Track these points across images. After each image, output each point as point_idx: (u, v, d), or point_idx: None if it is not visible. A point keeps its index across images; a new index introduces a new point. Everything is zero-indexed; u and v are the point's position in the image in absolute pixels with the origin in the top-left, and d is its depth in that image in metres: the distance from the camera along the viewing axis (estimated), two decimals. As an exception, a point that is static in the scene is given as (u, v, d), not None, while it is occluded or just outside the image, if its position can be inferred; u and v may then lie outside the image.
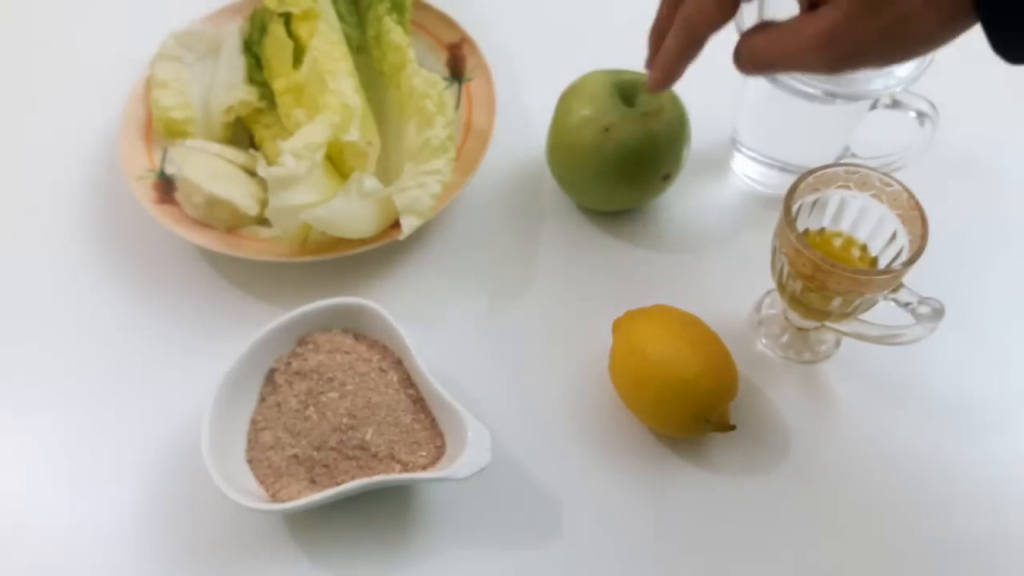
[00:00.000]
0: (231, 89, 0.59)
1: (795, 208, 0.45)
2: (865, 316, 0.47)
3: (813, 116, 0.53)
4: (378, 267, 0.56)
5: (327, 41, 0.56)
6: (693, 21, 0.41)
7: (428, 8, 0.63)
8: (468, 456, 0.44)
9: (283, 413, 0.47)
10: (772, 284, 0.49)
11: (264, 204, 0.54)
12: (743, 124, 0.59)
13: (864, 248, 0.47)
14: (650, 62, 0.48)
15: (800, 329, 0.52)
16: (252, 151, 0.57)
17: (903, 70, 0.50)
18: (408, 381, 0.48)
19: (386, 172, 0.57)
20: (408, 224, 0.51)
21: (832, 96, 0.50)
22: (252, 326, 0.48)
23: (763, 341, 0.53)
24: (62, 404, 0.51)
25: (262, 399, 0.48)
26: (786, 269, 0.46)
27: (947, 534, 0.47)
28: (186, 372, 0.52)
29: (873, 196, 0.46)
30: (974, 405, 0.51)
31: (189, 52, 0.60)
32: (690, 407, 0.46)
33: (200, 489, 0.45)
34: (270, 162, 0.56)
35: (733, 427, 0.47)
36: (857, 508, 0.47)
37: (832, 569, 0.46)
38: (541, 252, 0.57)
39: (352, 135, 0.53)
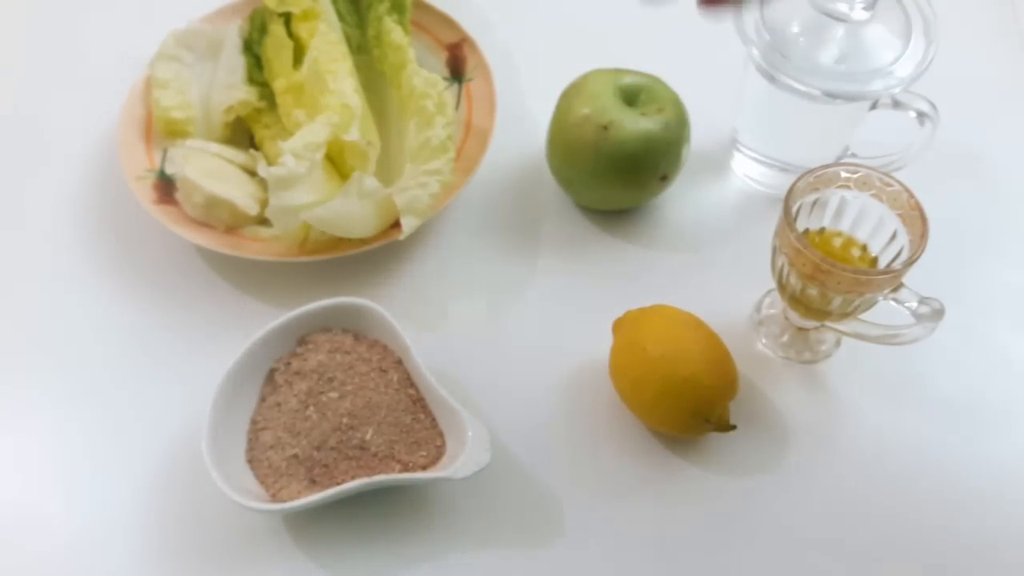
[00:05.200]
0: (231, 89, 0.58)
1: (795, 208, 0.45)
2: (865, 316, 0.47)
3: (813, 116, 0.53)
4: (378, 267, 0.56)
5: (327, 41, 0.56)
6: None
7: (428, 8, 0.63)
8: (468, 456, 0.44)
9: (283, 413, 0.47)
10: (772, 284, 0.49)
11: (264, 204, 0.54)
12: (743, 124, 0.59)
13: (864, 248, 0.47)
14: None
15: (800, 329, 0.52)
16: (252, 151, 0.57)
17: (903, 70, 0.50)
18: (408, 381, 0.48)
19: (386, 172, 0.57)
20: (408, 224, 0.51)
21: (832, 96, 0.50)
22: (252, 326, 0.48)
23: (763, 341, 0.53)
24: (61, 404, 0.51)
25: (262, 399, 0.48)
26: (786, 269, 0.46)
27: (947, 534, 0.47)
28: (186, 372, 0.52)
29: (873, 196, 0.46)
30: (974, 405, 0.51)
31: (189, 52, 0.60)
32: (690, 406, 0.46)
33: (200, 489, 0.45)
34: (270, 162, 0.56)
35: (733, 427, 0.47)
36: (857, 508, 0.47)
37: (832, 568, 0.46)
38: (541, 252, 0.57)
39: (352, 135, 0.53)
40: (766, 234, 0.48)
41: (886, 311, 0.46)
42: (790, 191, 0.45)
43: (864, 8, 0.50)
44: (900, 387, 0.51)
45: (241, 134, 0.60)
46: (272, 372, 0.49)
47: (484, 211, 0.59)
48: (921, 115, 0.52)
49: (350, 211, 0.51)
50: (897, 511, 0.47)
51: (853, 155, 0.57)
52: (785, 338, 0.53)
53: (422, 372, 0.47)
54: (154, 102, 0.58)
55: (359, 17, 0.61)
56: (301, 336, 0.49)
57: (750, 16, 0.51)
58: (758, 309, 0.54)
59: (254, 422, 0.48)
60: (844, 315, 0.47)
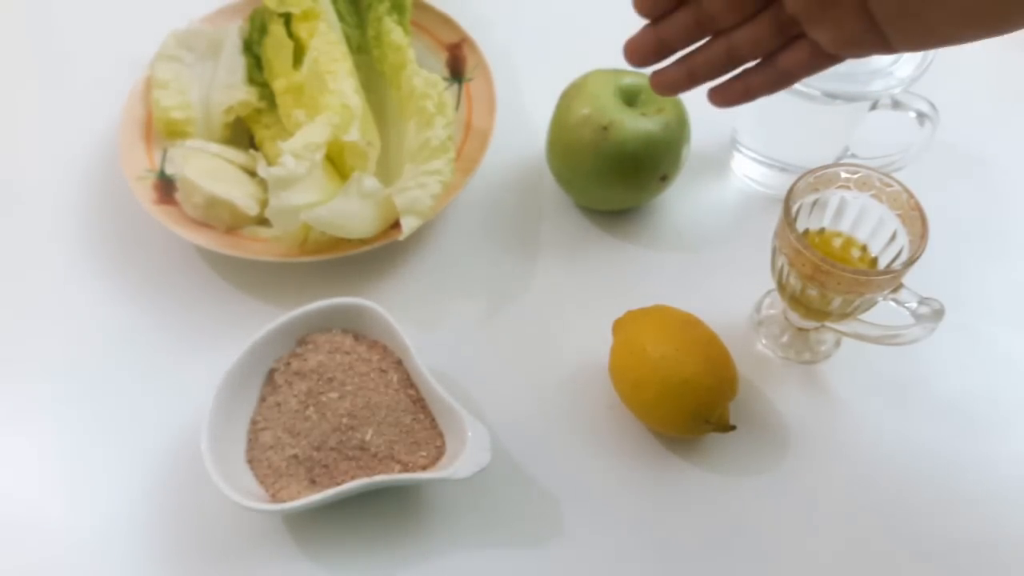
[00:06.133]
0: (231, 89, 0.59)
1: (795, 208, 0.45)
2: (865, 316, 0.47)
3: (813, 116, 0.53)
4: (378, 267, 0.56)
5: (327, 41, 0.56)
6: (743, 52, 0.39)
7: (428, 8, 0.63)
8: (468, 456, 0.44)
9: (283, 413, 0.47)
10: (772, 284, 0.49)
11: (264, 204, 0.54)
12: (743, 124, 0.59)
13: (864, 248, 0.47)
14: (642, 43, 0.41)
15: (800, 329, 0.52)
16: (252, 151, 0.57)
17: (903, 70, 0.50)
18: (408, 381, 0.48)
19: (386, 172, 0.57)
20: (408, 224, 0.51)
21: (832, 96, 0.50)
22: (252, 326, 0.48)
23: (763, 341, 0.53)
24: (62, 404, 0.51)
25: (262, 399, 0.48)
26: (786, 269, 0.46)
27: (947, 534, 0.47)
28: (186, 372, 0.52)
29: (873, 196, 0.46)
30: (974, 405, 0.51)
31: (189, 52, 0.60)
32: (690, 407, 0.46)
33: (200, 489, 0.45)
34: (270, 162, 0.56)
35: (733, 427, 0.47)
36: (856, 508, 0.47)
37: (832, 569, 0.46)
38: (541, 252, 0.57)
39: (352, 135, 0.53)
40: (766, 234, 0.48)
41: (886, 311, 0.46)
42: (790, 191, 0.45)
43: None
44: (900, 387, 0.51)
45: (241, 134, 0.60)
46: (272, 372, 0.49)
47: (484, 211, 0.59)
48: (921, 115, 0.52)
49: (350, 211, 0.51)
50: (897, 511, 0.47)
51: (853, 155, 0.57)
52: (785, 338, 0.53)
53: (422, 372, 0.47)
54: (154, 102, 0.58)
55: (359, 17, 0.61)
56: (301, 336, 0.49)
57: None
58: (758, 309, 0.54)
59: (254, 422, 0.48)
60: (844, 315, 0.47)
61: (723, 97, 0.41)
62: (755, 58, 0.40)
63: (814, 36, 0.37)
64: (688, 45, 0.40)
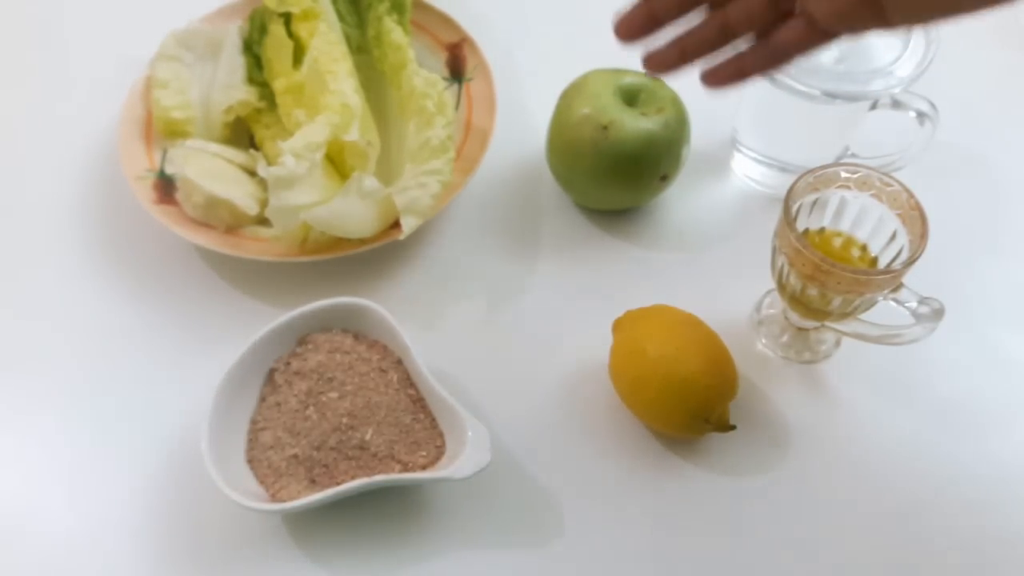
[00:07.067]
0: (231, 89, 0.59)
1: (795, 208, 0.45)
2: (865, 316, 0.47)
3: (813, 116, 0.53)
4: (378, 267, 0.56)
5: (327, 41, 0.56)
6: (735, 27, 0.38)
7: (428, 8, 0.63)
8: (468, 456, 0.44)
9: (283, 413, 0.47)
10: (772, 284, 0.49)
11: (264, 204, 0.54)
12: (743, 124, 0.59)
13: (864, 248, 0.47)
14: (632, 24, 0.40)
15: (800, 329, 0.52)
16: (252, 151, 0.57)
17: (903, 70, 0.50)
18: (408, 381, 0.48)
19: (386, 172, 0.57)
20: (408, 224, 0.51)
21: (832, 96, 0.50)
22: (252, 326, 0.48)
23: (763, 341, 0.53)
24: (62, 404, 0.51)
25: (262, 399, 0.48)
26: (786, 269, 0.46)
27: (947, 534, 0.47)
28: (186, 372, 0.52)
29: (873, 196, 0.46)
30: (974, 405, 0.51)
31: (189, 52, 0.60)
32: (690, 407, 0.46)
33: (200, 489, 0.45)
34: (270, 162, 0.56)
35: (733, 427, 0.47)
36: (857, 508, 0.47)
37: (832, 569, 0.46)
38: (541, 252, 0.57)
39: (352, 135, 0.53)
40: (766, 234, 0.48)
41: (886, 311, 0.46)
42: (790, 191, 0.45)
43: (864, 8, 0.50)
44: (900, 387, 0.51)
45: (241, 134, 0.60)
46: (272, 372, 0.49)
47: (484, 211, 0.59)
48: (921, 115, 0.52)
49: (350, 211, 0.51)
50: (897, 511, 0.47)
51: (853, 155, 0.57)
52: (785, 338, 0.53)
53: (422, 372, 0.47)
54: (154, 102, 0.58)
55: (359, 17, 0.61)
56: (301, 336, 0.49)
57: None
58: (758, 309, 0.54)
59: (254, 422, 0.48)
60: (844, 315, 0.47)
61: (716, 78, 0.40)
62: (748, 32, 0.39)
63: (809, 9, 0.36)
64: (678, 17, 0.39)
